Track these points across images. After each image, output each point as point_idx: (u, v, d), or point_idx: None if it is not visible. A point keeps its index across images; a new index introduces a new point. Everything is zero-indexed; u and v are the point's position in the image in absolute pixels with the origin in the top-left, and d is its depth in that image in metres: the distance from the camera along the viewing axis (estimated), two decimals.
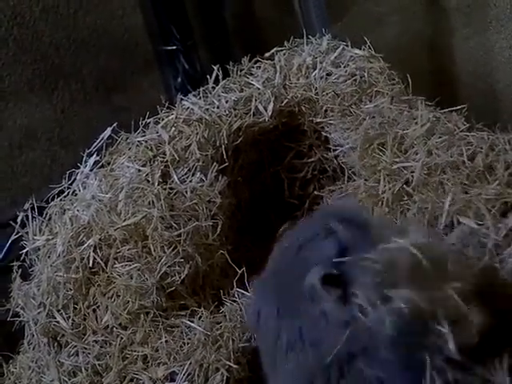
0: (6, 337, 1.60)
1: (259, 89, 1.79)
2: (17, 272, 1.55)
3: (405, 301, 0.98)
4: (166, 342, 1.34)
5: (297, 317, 1.09)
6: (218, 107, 1.75)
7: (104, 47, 2.20)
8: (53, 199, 1.64)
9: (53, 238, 1.51)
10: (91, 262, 1.43)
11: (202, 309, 1.40)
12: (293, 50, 1.96)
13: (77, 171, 1.67)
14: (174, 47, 2.26)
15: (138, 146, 1.67)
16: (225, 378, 1.28)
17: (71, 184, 1.65)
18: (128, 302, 1.38)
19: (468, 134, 1.56)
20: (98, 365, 1.35)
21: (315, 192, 1.83)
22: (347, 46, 1.91)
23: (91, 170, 1.66)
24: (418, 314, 0.98)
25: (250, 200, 1.85)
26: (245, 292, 1.43)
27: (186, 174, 1.59)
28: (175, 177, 1.57)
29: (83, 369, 1.35)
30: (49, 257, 1.49)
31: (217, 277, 1.51)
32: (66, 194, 1.64)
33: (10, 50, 2.01)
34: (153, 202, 1.49)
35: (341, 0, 2.48)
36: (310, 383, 1.07)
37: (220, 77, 1.84)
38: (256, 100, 1.75)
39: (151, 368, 1.32)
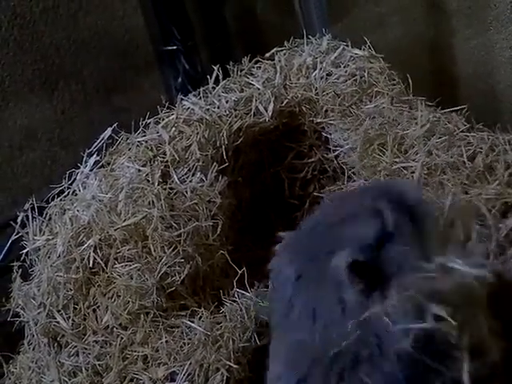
0: (6, 337, 1.60)
1: (259, 89, 1.79)
2: (17, 272, 1.55)
3: (438, 320, 0.93)
4: (167, 342, 1.34)
5: (313, 296, 1.03)
6: (218, 107, 1.75)
7: (104, 48, 2.20)
8: (53, 199, 1.64)
9: (53, 238, 1.52)
10: (91, 262, 1.43)
11: (202, 309, 1.40)
12: (293, 50, 1.96)
13: (77, 171, 1.68)
14: (175, 47, 2.26)
15: (138, 146, 1.67)
16: (225, 378, 1.28)
17: (71, 184, 1.66)
18: (128, 302, 1.38)
19: (468, 134, 1.56)
20: (99, 365, 1.35)
21: (315, 192, 1.83)
22: (347, 46, 1.91)
23: (91, 170, 1.66)
24: (443, 337, 0.94)
25: (251, 200, 1.85)
26: (245, 292, 1.43)
27: (186, 174, 1.59)
28: (175, 177, 1.57)
29: (83, 369, 1.35)
30: (49, 257, 1.49)
31: (217, 277, 1.51)
32: (66, 194, 1.64)
33: (11, 50, 2.01)
34: (153, 202, 1.48)
35: (341, 0, 2.48)
36: (308, 367, 1.01)
37: (220, 77, 1.85)
38: (256, 100, 1.75)
39: (151, 368, 1.32)
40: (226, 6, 2.46)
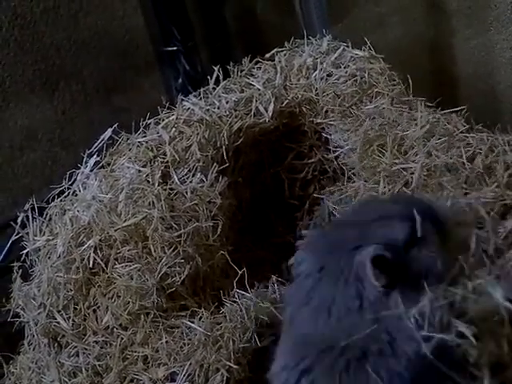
0: (6, 337, 1.60)
1: (260, 89, 1.79)
2: (17, 273, 1.56)
3: (461, 337, 0.96)
4: (167, 342, 1.34)
5: (332, 289, 1.05)
6: (218, 108, 1.75)
7: (105, 48, 2.20)
8: (53, 200, 1.64)
9: (53, 239, 1.52)
10: (91, 262, 1.43)
11: (203, 309, 1.40)
12: (293, 50, 1.96)
13: (77, 172, 1.68)
14: (175, 48, 2.26)
15: (138, 146, 1.67)
16: (225, 378, 1.28)
17: (71, 185, 1.66)
18: (128, 302, 1.38)
19: (467, 135, 1.56)
20: (99, 365, 1.35)
21: (315, 193, 1.83)
22: (348, 46, 1.91)
23: (92, 171, 1.66)
24: (465, 353, 0.97)
25: (251, 200, 1.85)
26: (245, 293, 1.43)
27: (186, 174, 1.59)
28: (175, 177, 1.57)
29: (83, 369, 1.36)
30: (49, 257, 1.49)
31: (217, 277, 1.51)
32: (66, 194, 1.64)
33: (11, 50, 2.01)
34: (153, 202, 1.49)
35: (341, 1, 2.48)
36: (315, 358, 1.03)
37: (220, 77, 1.85)
38: (256, 101, 1.76)
39: (151, 368, 1.32)
40: (226, 5, 2.46)
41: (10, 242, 1.62)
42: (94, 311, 1.41)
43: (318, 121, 1.78)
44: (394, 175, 1.52)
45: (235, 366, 1.29)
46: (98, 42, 2.18)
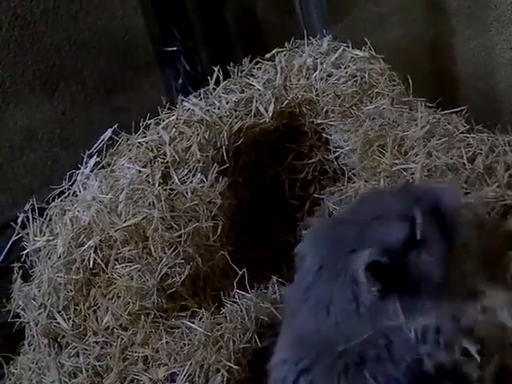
0: (6, 338, 1.60)
1: (260, 90, 1.79)
2: (17, 273, 1.56)
3: (465, 355, 0.96)
4: (167, 342, 1.34)
5: (330, 289, 1.04)
6: (218, 108, 1.75)
7: (105, 48, 2.20)
8: (53, 200, 1.64)
9: (53, 239, 1.52)
10: (92, 263, 1.43)
11: (203, 310, 1.40)
12: (293, 51, 1.96)
13: (77, 172, 1.68)
14: (175, 48, 2.26)
15: (138, 147, 1.67)
16: (225, 378, 1.28)
17: (72, 185, 1.66)
18: (128, 302, 1.38)
19: (468, 135, 1.56)
20: (99, 366, 1.35)
21: (316, 193, 1.83)
22: (348, 47, 1.91)
23: (92, 171, 1.66)
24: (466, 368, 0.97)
25: (251, 201, 1.85)
26: (245, 293, 1.43)
27: (186, 174, 1.59)
28: (176, 178, 1.57)
29: (84, 370, 1.35)
30: (49, 258, 1.49)
31: (217, 278, 1.51)
32: (66, 194, 1.64)
33: (11, 51, 2.01)
34: (153, 202, 1.49)
35: (341, 1, 2.48)
36: (313, 359, 1.03)
37: (221, 78, 1.85)
38: (257, 101, 1.76)
39: (152, 369, 1.32)
40: (226, 5, 2.46)
41: (10, 242, 1.62)
42: (95, 311, 1.41)
43: (318, 121, 1.78)
44: (394, 176, 1.52)
45: (235, 367, 1.29)
46: (98, 42, 2.18)
